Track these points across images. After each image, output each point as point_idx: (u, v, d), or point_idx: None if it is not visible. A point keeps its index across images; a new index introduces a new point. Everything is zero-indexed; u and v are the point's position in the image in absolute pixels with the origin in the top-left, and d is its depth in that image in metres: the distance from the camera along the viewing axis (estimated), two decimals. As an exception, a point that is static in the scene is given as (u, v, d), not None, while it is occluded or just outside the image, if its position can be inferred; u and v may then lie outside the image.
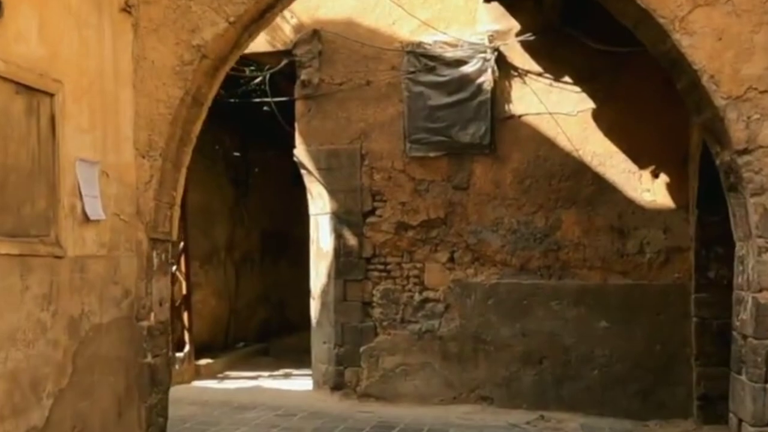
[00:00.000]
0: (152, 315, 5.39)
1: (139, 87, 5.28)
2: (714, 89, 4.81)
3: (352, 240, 9.16)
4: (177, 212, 5.69)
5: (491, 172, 8.73)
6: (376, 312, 9.04)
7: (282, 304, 14.27)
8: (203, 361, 11.22)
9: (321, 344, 9.53)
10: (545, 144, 8.59)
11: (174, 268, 10.80)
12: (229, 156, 12.58)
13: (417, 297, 8.94)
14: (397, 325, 8.98)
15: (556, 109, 8.52)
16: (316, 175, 9.27)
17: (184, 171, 5.66)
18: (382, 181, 8.99)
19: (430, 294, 8.90)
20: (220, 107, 11.22)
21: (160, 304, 5.50)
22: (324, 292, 9.44)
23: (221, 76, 5.62)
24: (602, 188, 8.47)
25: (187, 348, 10.83)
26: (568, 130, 8.51)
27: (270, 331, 13.82)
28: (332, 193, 9.20)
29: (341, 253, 9.19)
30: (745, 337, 4.95)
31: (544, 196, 8.60)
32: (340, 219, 9.17)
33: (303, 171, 9.41)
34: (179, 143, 5.46)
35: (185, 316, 10.94)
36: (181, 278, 10.94)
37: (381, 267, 9.05)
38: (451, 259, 8.85)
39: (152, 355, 5.38)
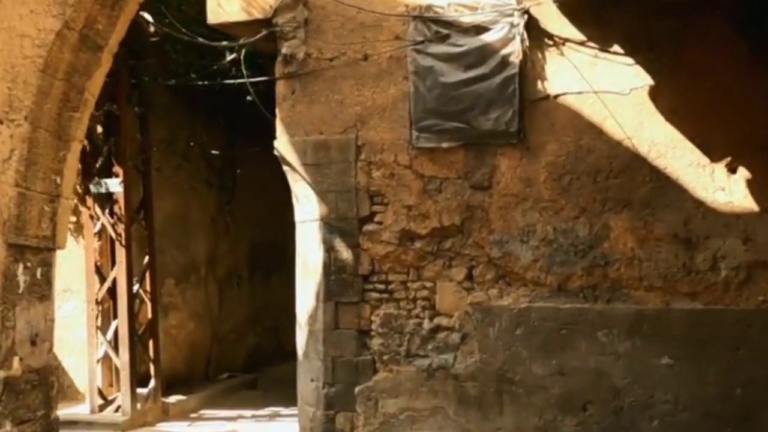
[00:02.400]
0: (15, 361, 3.63)
1: (-6, 16, 3.56)
2: None
3: (345, 253, 7.60)
4: (66, 207, 3.95)
5: (520, 168, 7.38)
6: (375, 343, 7.61)
7: (276, 328, 12.69)
8: (174, 398, 9.77)
9: (308, 382, 7.90)
10: (589, 131, 7.26)
11: (137, 287, 9.19)
12: (209, 154, 10.99)
13: (426, 324, 7.54)
14: (401, 359, 7.58)
15: (603, 86, 7.19)
16: (302, 172, 7.71)
17: (76, 147, 3.90)
18: (383, 179, 7.56)
19: (443, 321, 7.52)
20: (195, 95, 9.80)
21: (33, 344, 3.73)
22: (311, 318, 7.81)
23: (130, 9, 3.87)
24: (663, 187, 7.13)
25: (152, 383, 9.25)
26: (618, 114, 7.17)
27: (261, 359, 12.36)
28: (321, 194, 7.65)
29: (332, 270, 7.62)
30: None
31: (588, 197, 7.25)
32: (331, 227, 7.64)
33: (286, 168, 7.88)
34: (62, 104, 3.73)
35: (151, 344, 9.36)
36: (146, 299, 9.33)
37: (381, 287, 7.63)
38: (470, 277, 7.48)
39: (14, 421, 3.62)
